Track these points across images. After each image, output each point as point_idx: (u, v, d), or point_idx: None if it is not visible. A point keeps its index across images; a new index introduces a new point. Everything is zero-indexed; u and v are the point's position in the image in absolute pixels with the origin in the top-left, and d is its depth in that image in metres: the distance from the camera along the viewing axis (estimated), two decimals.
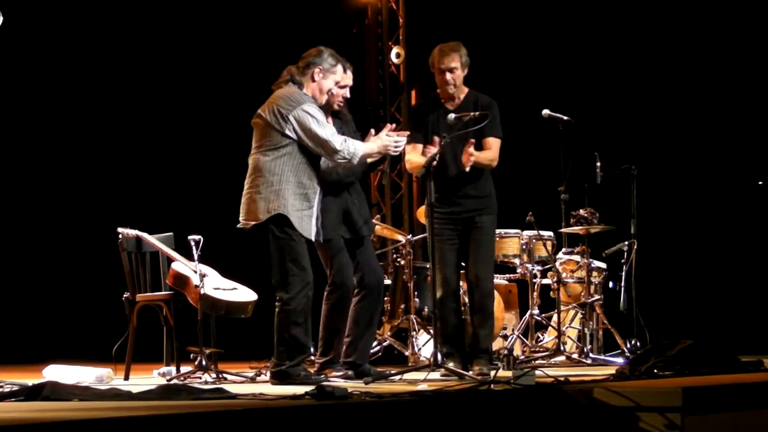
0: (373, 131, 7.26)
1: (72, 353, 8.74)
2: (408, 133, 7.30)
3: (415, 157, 7.49)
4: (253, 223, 6.87)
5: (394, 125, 7.38)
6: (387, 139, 7.06)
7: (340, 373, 7.14)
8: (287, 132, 6.85)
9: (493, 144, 7.54)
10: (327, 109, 7.25)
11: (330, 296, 7.23)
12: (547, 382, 5.88)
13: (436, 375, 6.91)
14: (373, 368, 7.36)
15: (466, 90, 7.61)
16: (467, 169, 7.32)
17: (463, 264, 7.68)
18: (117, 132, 11.77)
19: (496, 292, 9.20)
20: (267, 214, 6.81)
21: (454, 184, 7.47)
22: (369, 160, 7.21)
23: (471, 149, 7.31)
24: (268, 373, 7.00)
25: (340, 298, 7.21)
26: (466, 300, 8.06)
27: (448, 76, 7.50)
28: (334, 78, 7.09)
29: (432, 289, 7.39)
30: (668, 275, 11.13)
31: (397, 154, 7.29)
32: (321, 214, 7.08)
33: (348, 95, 7.33)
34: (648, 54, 11.64)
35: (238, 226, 6.98)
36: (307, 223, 6.87)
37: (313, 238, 6.92)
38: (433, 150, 7.14)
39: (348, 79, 7.29)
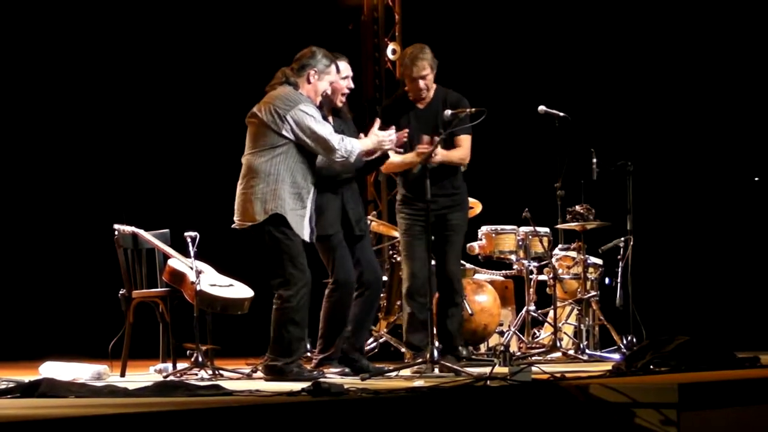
0: (362, 136, 7.25)
1: (68, 350, 8.72)
2: (407, 130, 7.30)
3: (390, 157, 7.51)
4: (249, 224, 6.87)
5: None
6: (381, 134, 7.08)
7: (337, 370, 7.15)
8: (284, 132, 6.85)
9: (464, 141, 7.59)
10: (329, 105, 7.25)
11: (332, 294, 7.22)
12: (544, 379, 5.89)
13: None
14: (370, 364, 7.37)
15: (434, 87, 7.64)
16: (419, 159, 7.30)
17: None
18: (114, 129, 11.75)
19: (492, 288, 9.25)
20: (264, 214, 6.81)
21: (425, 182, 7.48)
22: (366, 158, 7.20)
23: (425, 146, 7.34)
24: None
25: (342, 297, 7.20)
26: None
27: (422, 83, 7.58)
28: (329, 78, 7.09)
29: (429, 287, 7.34)
30: (664, 271, 11.12)
31: (392, 147, 7.30)
32: (319, 210, 7.08)
33: (352, 85, 7.33)
34: (644, 50, 11.62)
35: (233, 226, 6.97)
36: (300, 223, 6.86)
37: (306, 238, 6.91)
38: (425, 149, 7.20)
39: (347, 70, 7.29)
